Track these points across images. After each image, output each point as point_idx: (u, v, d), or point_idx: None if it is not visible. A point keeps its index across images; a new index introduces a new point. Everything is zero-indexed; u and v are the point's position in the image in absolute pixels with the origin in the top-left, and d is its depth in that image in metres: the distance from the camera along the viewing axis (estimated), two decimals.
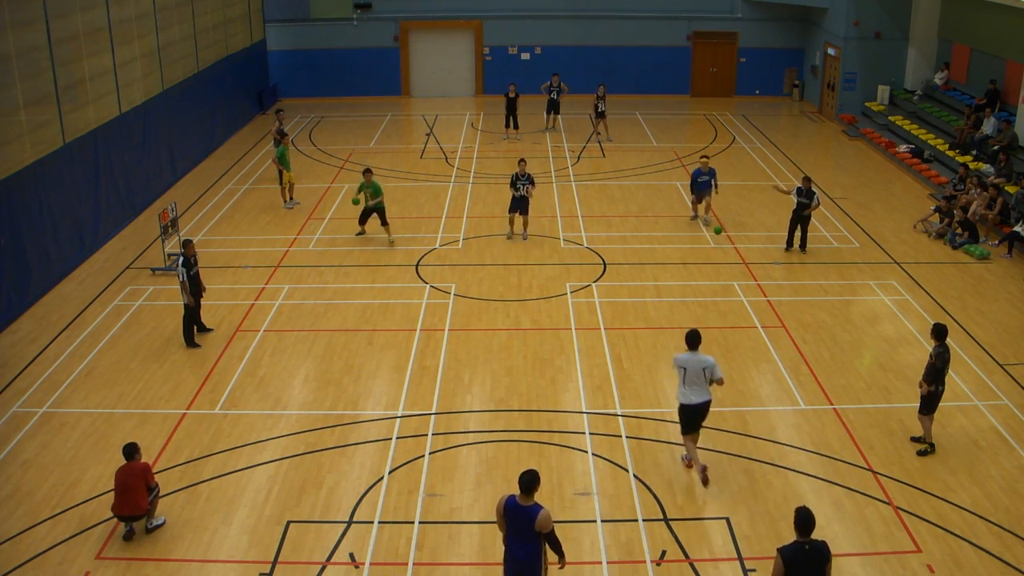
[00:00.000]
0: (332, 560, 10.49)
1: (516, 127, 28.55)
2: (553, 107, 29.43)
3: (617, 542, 10.72)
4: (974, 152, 24.28)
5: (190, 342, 15.48)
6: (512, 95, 28.21)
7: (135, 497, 10.67)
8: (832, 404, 13.66)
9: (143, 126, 22.56)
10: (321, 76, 34.63)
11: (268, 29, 33.84)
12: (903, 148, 26.65)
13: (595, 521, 11.04)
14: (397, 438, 12.83)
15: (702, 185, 21.05)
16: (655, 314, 16.60)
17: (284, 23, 34.16)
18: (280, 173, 22.56)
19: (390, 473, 12.04)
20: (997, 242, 19.83)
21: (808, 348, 15.34)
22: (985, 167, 23.00)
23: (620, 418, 13.27)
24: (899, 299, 17.30)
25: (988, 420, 13.28)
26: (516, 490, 8.90)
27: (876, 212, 22.22)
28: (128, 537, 10.79)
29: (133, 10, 22.28)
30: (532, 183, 19.91)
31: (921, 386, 12.35)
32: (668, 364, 14.71)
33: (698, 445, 11.96)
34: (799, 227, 19.28)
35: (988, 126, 24.24)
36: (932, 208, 21.48)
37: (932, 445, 12.47)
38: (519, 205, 20.01)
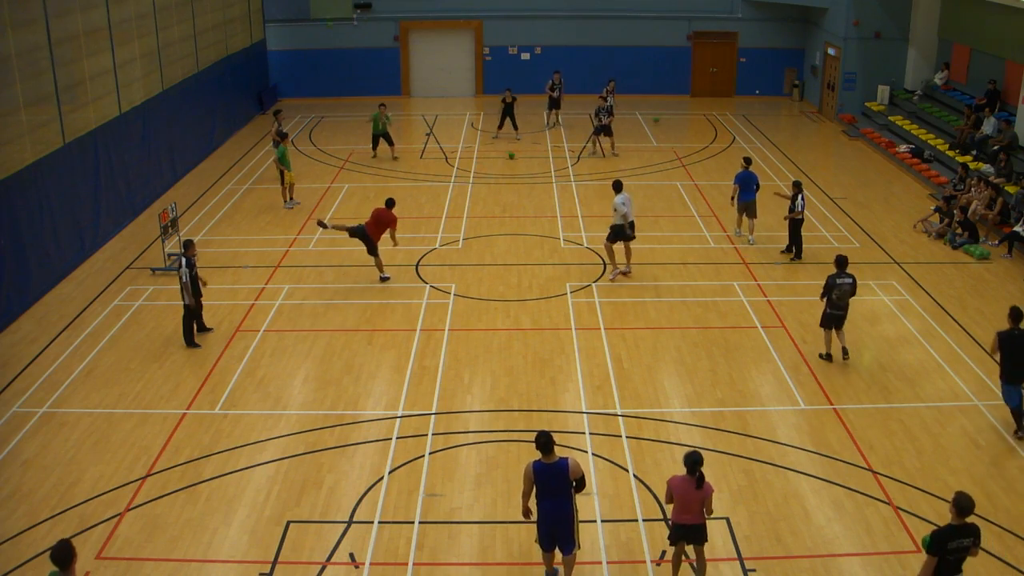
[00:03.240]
0: (332, 560, 10.49)
1: (516, 127, 28.46)
2: (554, 104, 29.50)
3: (617, 542, 10.72)
4: (974, 152, 24.27)
5: (190, 342, 15.48)
6: (509, 100, 28.02)
7: (379, 233, 17.56)
8: (832, 404, 13.66)
9: (143, 126, 22.55)
10: (321, 76, 34.61)
11: (268, 29, 33.82)
12: (903, 148, 26.64)
13: (595, 521, 11.04)
14: (397, 438, 12.83)
15: (747, 190, 19.52)
16: (655, 314, 16.60)
17: (284, 23, 34.16)
18: (281, 173, 22.55)
19: (390, 473, 12.04)
20: (997, 242, 19.83)
21: (808, 348, 15.33)
22: (985, 167, 22.99)
23: (620, 418, 13.27)
24: (899, 299, 17.28)
25: (988, 420, 13.28)
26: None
27: (876, 212, 22.21)
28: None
29: (133, 10, 22.28)
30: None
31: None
32: (668, 364, 14.76)
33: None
34: (790, 231, 19.16)
35: (988, 126, 24.23)
36: (932, 208, 21.47)
37: (829, 356, 14.71)
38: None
